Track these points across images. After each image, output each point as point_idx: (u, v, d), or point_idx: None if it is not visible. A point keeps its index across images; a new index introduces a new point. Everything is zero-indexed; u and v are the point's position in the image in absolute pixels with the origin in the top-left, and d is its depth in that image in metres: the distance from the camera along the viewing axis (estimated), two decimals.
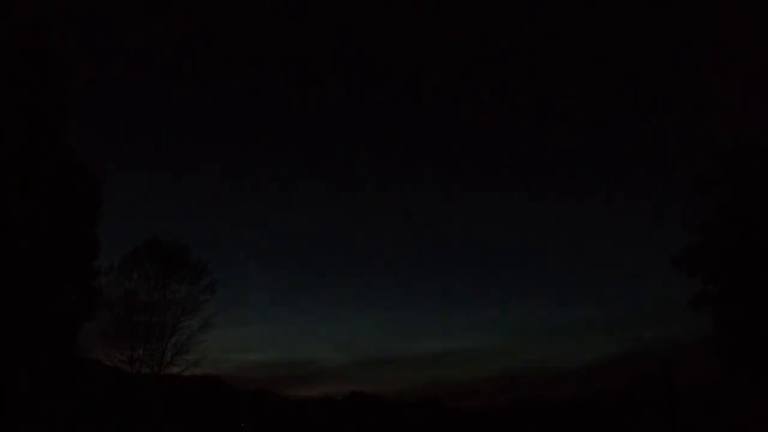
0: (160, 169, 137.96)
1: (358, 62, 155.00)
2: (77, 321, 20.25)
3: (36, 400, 18.71)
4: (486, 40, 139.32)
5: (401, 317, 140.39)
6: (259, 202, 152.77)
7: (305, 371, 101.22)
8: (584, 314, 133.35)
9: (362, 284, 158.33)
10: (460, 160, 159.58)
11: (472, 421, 70.20)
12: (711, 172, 24.99)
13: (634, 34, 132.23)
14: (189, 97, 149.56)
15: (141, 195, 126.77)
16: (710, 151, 25.35)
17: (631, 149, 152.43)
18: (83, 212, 20.04)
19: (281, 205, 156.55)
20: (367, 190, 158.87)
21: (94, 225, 20.73)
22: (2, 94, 17.66)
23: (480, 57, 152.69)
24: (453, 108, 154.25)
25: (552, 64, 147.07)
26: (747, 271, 23.26)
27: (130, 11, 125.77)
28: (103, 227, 21.19)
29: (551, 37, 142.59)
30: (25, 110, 18.06)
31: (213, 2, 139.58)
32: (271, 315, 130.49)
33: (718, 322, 24.31)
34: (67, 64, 19.62)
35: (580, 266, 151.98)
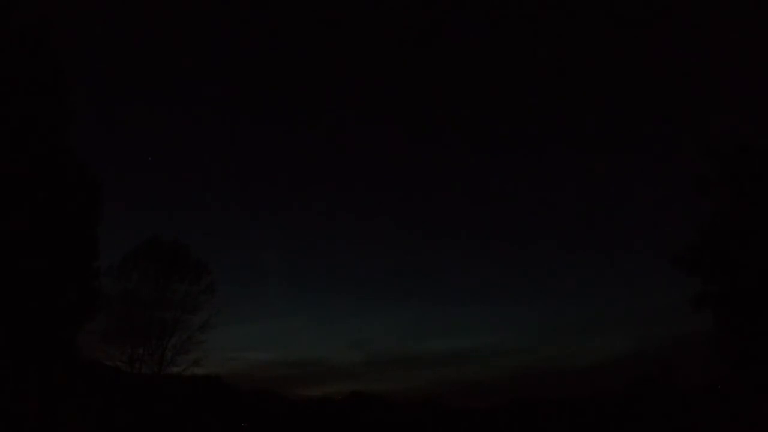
0: (160, 169, 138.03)
1: (358, 70, 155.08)
2: (77, 321, 20.24)
3: (36, 400, 18.74)
4: (485, 44, 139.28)
5: (405, 317, 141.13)
6: (264, 201, 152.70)
7: (310, 371, 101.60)
8: (585, 314, 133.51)
9: (368, 284, 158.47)
10: (461, 161, 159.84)
11: (472, 421, 70.22)
12: (711, 172, 24.96)
13: (634, 34, 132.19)
14: (189, 97, 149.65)
15: (141, 195, 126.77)
16: (710, 151, 25.32)
17: (632, 149, 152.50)
18: (83, 212, 20.04)
19: (287, 204, 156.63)
20: (373, 191, 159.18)
21: (94, 225, 20.72)
22: (2, 94, 17.64)
23: (478, 62, 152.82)
24: (452, 110, 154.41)
25: (552, 66, 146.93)
26: (747, 271, 23.23)
27: (130, 11, 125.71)
28: (103, 227, 21.21)
29: (551, 38, 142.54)
30: (25, 110, 18.05)
31: (213, 2, 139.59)
32: (277, 315, 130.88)
33: (718, 322, 24.29)
34: (67, 64, 19.62)
35: (580, 266, 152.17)
